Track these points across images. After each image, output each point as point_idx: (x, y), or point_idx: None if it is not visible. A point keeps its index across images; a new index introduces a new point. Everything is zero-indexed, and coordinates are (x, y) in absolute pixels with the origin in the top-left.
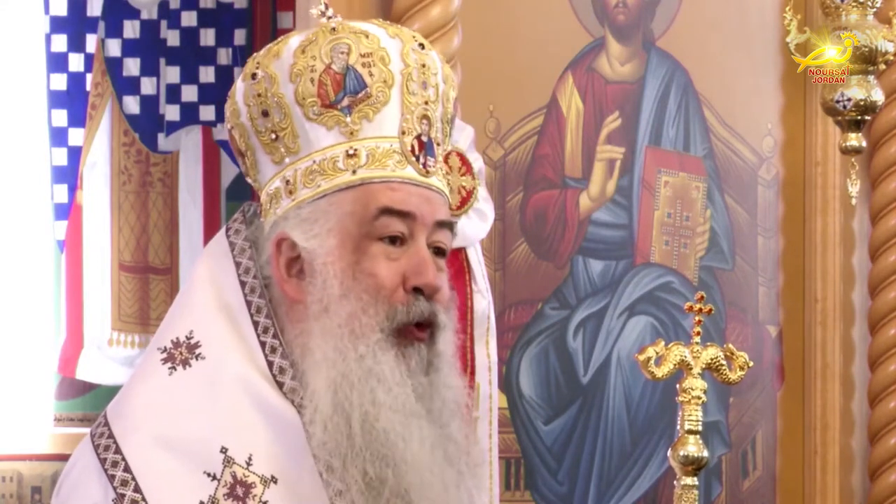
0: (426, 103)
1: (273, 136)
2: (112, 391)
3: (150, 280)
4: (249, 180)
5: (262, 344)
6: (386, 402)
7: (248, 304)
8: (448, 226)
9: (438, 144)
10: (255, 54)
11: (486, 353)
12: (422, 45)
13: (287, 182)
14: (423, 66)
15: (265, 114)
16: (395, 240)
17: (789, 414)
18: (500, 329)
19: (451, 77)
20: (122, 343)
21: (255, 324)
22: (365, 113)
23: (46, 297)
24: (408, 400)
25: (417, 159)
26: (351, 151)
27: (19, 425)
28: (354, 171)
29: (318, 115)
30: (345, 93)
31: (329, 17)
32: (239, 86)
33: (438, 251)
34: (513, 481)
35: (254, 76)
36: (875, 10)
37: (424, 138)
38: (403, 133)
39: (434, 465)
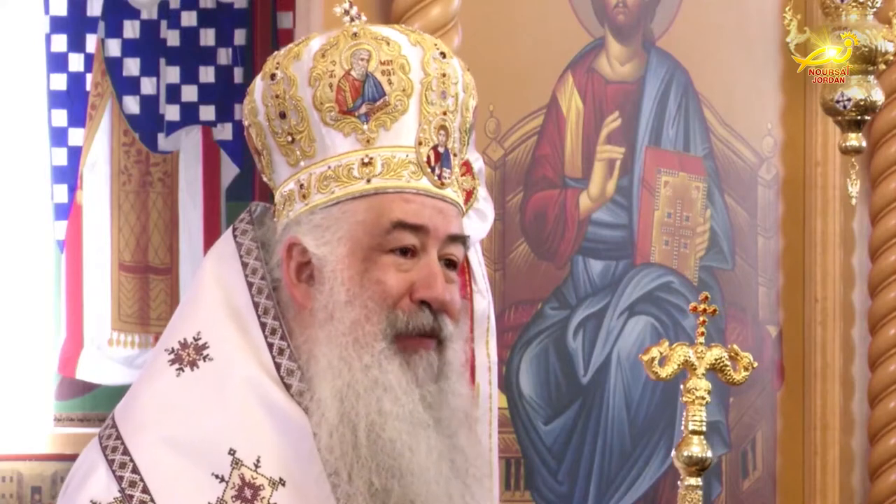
0: (444, 113)
1: (289, 138)
2: (112, 391)
3: (150, 280)
4: (265, 178)
5: (270, 346)
6: (392, 412)
7: (256, 305)
8: (461, 240)
9: (455, 155)
10: (275, 53)
11: (486, 353)
12: (443, 54)
13: (301, 185)
14: (444, 75)
15: (282, 115)
16: (406, 252)
17: (789, 414)
18: (500, 329)
19: (472, 85)
20: (122, 343)
21: (263, 325)
22: (382, 121)
23: (46, 297)
24: (415, 409)
25: (433, 170)
26: (366, 160)
27: (19, 425)
28: (369, 180)
29: (335, 121)
30: (363, 100)
31: (353, 18)
32: (258, 84)
33: (450, 263)
34: (513, 481)
35: (273, 76)
36: (875, 10)
37: (441, 149)
38: (420, 143)
39: (440, 476)
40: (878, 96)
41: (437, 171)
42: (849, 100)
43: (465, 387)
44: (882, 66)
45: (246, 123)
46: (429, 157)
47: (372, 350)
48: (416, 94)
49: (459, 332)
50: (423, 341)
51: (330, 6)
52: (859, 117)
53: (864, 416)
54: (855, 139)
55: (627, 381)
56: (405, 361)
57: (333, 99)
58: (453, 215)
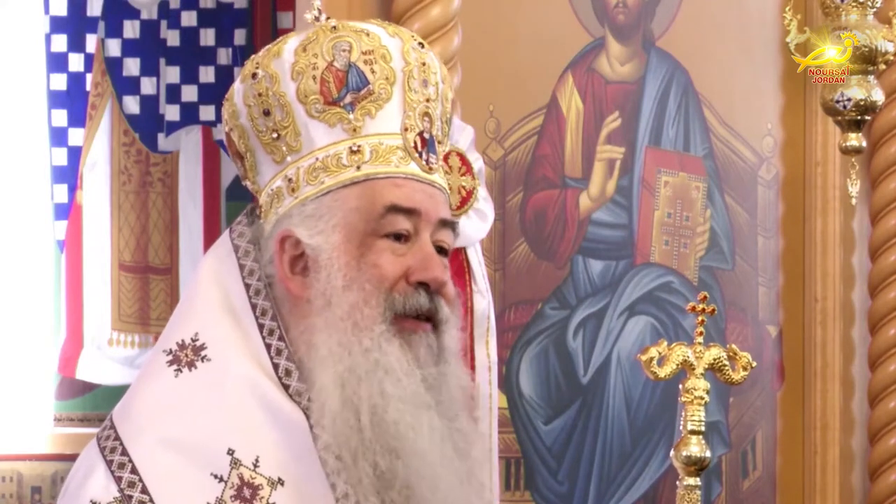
0: (427, 101)
1: (274, 135)
2: (112, 391)
3: (150, 280)
4: (247, 183)
5: (268, 346)
6: (395, 394)
7: (253, 306)
8: (450, 225)
9: (439, 143)
10: (253, 56)
11: (486, 353)
12: (421, 45)
13: (289, 180)
14: (424, 64)
15: (266, 113)
16: (399, 236)
17: (789, 414)
18: (500, 329)
19: (449, 78)
20: (122, 343)
21: (261, 326)
22: (367, 110)
23: (46, 297)
24: (417, 390)
25: (420, 156)
26: (354, 148)
27: (19, 425)
28: (359, 168)
29: (320, 113)
30: (347, 90)
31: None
32: (237, 87)
33: (441, 250)
34: (513, 481)
35: (254, 76)
36: (875, 10)
37: (426, 135)
38: (406, 130)
39: (444, 457)
40: (878, 96)
41: (425, 157)
42: (849, 100)
43: (463, 372)
44: (882, 66)
45: (227, 129)
46: (415, 143)
47: (371, 333)
48: (398, 83)
49: (454, 318)
50: (421, 323)
51: (330, 6)
52: (859, 117)
53: (864, 416)
54: (855, 139)
55: (627, 381)
56: (405, 342)
57: (318, 90)
58: (442, 200)
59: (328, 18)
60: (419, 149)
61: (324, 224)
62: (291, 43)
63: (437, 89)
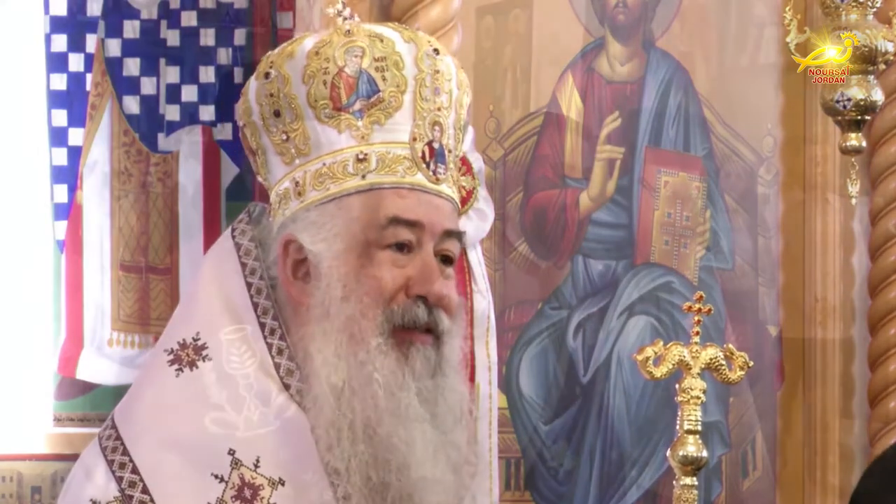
0: (438, 109)
1: (284, 136)
2: (112, 391)
3: (150, 280)
4: (260, 179)
5: (269, 346)
6: (388, 408)
7: (255, 305)
8: (457, 235)
9: (450, 151)
10: (269, 53)
11: (486, 353)
12: (437, 51)
13: (296, 183)
14: (437, 71)
15: (277, 114)
16: (402, 247)
17: (789, 414)
18: (500, 329)
19: (466, 83)
20: (122, 343)
21: (262, 325)
22: (376, 117)
23: (46, 297)
24: (411, 403)
25: (428, 166)
26: (361, 156)
27: (19, 425)
28: (364, 176)
29: (329, 118)
30: (357, 96)
31: (345, 18)
32: (252, 84)
33: (446, 259)
34: (513, 481)
35: (267, 75)
36: (875, 10)
37: (436, 145)
38: (414, 139)
39: (437, 470)
40: (878, 96)
41: (432, 167)
42: (849, 100)
43: (461, 384)
44: (882, 66)
45: (241, 124)
46: (423, 153)
47: (367, 346)
48: (409, 91)
49: (457, 328)
50: (420, 335)
51: (330, 6)
52: (859, 117)
53: (864, 416)
54: (855, 139)
55: (627, 381)
56: (403, 355)
57: (328, 96)
58: (449, 211)
59: (350, 15)
60: (427, 159)
61: (326, 232)
62: (306, 44)
63: (451, 97)
